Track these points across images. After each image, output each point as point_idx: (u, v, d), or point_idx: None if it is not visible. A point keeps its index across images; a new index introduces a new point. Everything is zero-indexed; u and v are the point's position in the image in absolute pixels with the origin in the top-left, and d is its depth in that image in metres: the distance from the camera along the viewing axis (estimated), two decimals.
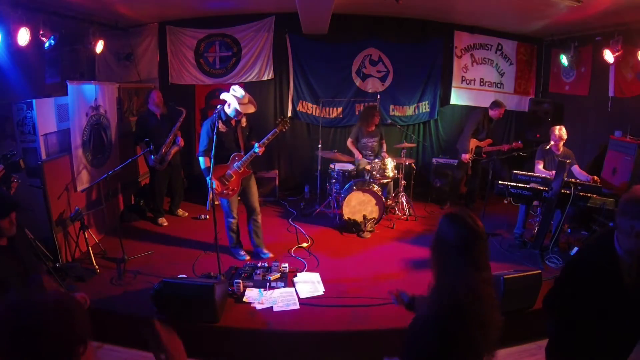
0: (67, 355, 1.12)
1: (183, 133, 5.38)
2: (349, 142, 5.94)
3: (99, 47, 5.26)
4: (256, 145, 4.03)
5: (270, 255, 4.46)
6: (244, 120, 4.23)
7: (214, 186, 3.94)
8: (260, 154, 4.08)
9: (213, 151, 3.77)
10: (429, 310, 1.53)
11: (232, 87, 4.04)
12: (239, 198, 4.36)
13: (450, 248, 1.57)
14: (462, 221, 1.57)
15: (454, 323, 1.44)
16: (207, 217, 5.52)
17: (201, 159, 4.16)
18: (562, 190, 4.18)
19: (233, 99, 3.97)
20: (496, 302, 1.53)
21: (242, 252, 4.42)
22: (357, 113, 6.70)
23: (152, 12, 5.87)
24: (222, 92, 4.11)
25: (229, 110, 4.05)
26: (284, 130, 4.10)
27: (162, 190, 5.42)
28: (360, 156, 5.78)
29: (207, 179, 3.86)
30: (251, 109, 4.06)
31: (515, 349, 3.26)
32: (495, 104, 5.69)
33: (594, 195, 4.20)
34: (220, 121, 4.03)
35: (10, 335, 1.07)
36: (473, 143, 5.82)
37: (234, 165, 4.13)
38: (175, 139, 5.18)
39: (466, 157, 5.82)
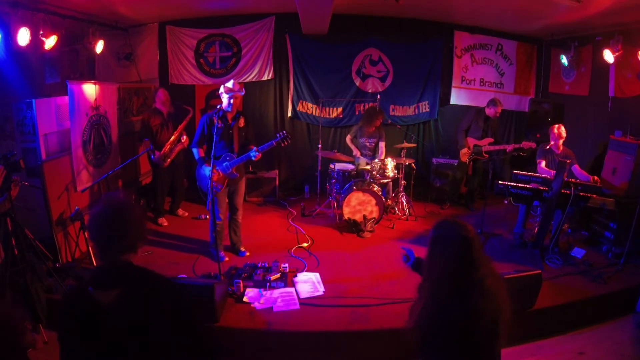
0: (134, 246, 1.60)
1: (186, 133, 5.39)
2: (348, 139, 5.96)
3: (99, 47, 5.25)
4: (253, 150, 4.00)
5: (247, 253, 4.50)
6: (242, 120, 4.19)
7: (208, 173, 3.96)
8: (255, 160, 4.06)
9: (211, 147, 3.84)
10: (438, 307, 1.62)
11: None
12: (227, 200, 4.32)
13: (451, 255, 1.62)
14: (453, 228, 1.66)
15: (468, 320, 1.55)
16: (207, 217, 5.51)
17: (194, 150, 4.19)
18: (562, 191, 4.17)
19: (225, 88, 4.00)
20: (504, 292, 1.64)
21: (222, 254, 4.31)
22: (357, 113, 6.71)
23: (152, 12, 5.87)
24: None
25: (225, 103, 4.02)
26: (283, 145, 4.04)
27: (164, 189, 5.43)
28: (358, 153, 5.79)
29: (208, 182, 3.87)
30: (242, 91, 4.14)
31: (515, 349, 3.26)
32: (491, 102, 5.70)
33: (594, 195, 4.20)
34: (216, 116, 4.01)
35: (104, 222, 1.56)
36: (471, 142, 5.83)
37: (223, 165, 4.08)
38: (179, 137, 5.20)
39: (463, 151, 5.84)
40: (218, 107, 4.03)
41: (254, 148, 4.02)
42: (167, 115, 5.23)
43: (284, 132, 4.06)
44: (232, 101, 4.00)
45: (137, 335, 1.47)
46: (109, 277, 1.54)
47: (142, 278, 1.58)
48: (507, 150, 5.62)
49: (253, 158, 4.02)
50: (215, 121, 3.99)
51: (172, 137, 5.14)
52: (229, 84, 4.02)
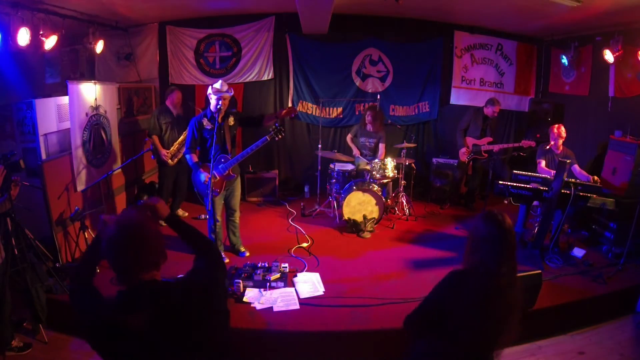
0: (156, 263, 1.58)
1: None
2: (348, 138, 5.99)
3: (99, 47, 5.26)
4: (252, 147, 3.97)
5: (247, 254, 4.48)
6: (231, 118, 4.11)
7: (203, 179, 3.95)
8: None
9: (204, 151, 3.78)
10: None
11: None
12: (222, 201, 4.28)
13: (483, 242, 1.83)
14: (494, 219, 1.83)
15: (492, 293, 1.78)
16: (206, 217, 5.51)
17: (187, 156, 4.10)
18: (562, 191, 4.17)
19: (213, 89, 3.89)
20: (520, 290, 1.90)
21: (222, 255, 4.32)
22: (357, 113, 6.72)
23: (152, 12, 5.86)
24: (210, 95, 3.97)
25: (213, 104, 3.92)
26: (277, 139, 3.96)
27: (169, 189, 5.44)
28: (358, 153, 5.80)
29: (204, 187, 3.85)
30: (230, 92, 3.98)
31: (515, 349, 3.27)
32: (490, 102, 5.71)
33: (594, 195, 4.20)
34: (205, 118, 4.00)
35: (118, 249, 1.51)
36: (470, 141, 5.84)
37: (219, 167, 4.02)
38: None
39: (462, 150, 5.85)
40: (218, 108, 3.96)
41: (255, 143, 3.98)
42: (177, 115, 5.26)
43: (275, 125, 3.94)
44: (220, 102, 3.87)
45: (176, 346, 1.53)
46: (134, 300, 1.51)
47: (167, 292, 1.54)
48: (494, 151, 5.63)
49: (250, 151, 3.98)
50: (204, 124, 3.98)
51: (181, 138, 5.17)
52: (217, 85, 3.91)
